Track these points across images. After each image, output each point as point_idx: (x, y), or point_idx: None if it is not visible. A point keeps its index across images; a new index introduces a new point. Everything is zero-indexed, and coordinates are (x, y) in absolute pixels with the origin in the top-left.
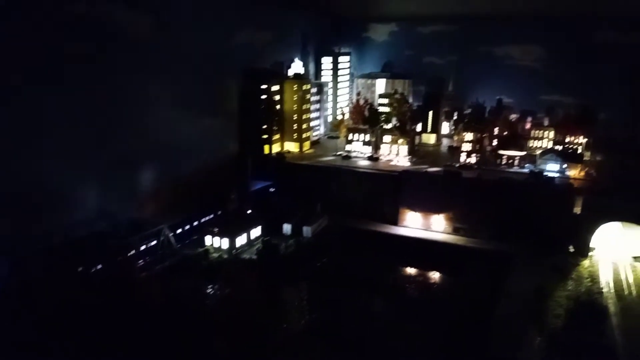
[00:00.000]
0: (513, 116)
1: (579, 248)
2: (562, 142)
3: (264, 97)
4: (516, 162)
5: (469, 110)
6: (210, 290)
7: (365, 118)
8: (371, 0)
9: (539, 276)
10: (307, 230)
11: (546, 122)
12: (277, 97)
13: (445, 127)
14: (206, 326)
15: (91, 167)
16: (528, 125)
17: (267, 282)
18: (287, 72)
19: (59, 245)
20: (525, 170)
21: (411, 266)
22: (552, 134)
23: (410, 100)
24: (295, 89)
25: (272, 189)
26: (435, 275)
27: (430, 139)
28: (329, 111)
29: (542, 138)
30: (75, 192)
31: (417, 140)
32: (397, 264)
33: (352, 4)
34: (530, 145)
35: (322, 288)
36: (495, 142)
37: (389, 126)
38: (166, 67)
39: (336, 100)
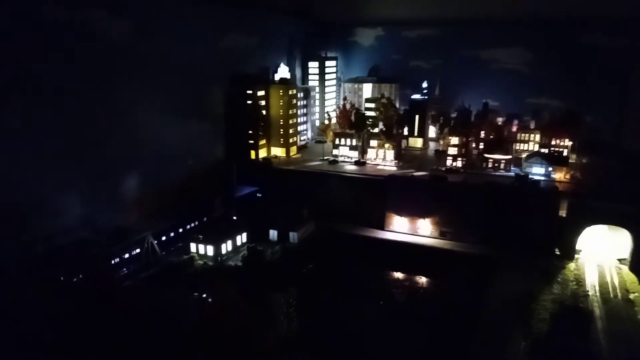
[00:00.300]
0: (499, 119)
1: (564, 251)
2: (548, 145)
3: (249, 102)
4: (502, 165)
5: (454, 114)
6: (195, 298)
7: (352, 122)
8: (357, 4)
9: (525, 279)
10: (293, 236)
11: (532, 125)
12: (263, 102)
13: (432, 131)
14: (189, 335)
15: (74, 174)
16: (514, 129)
17: (253, 289)
18: (273, 77)
19: (41, 254)
20: (511, 173)
21: (398, 270)
22: (538, 137)
23: (397, 104)
24: (281, 93)
25: (259, 195)
26: (421, 280)
27: (417, 142)
28: (316, 116)
29: (528, 141)
30: (58, 200)
31: (404, 144)
32: (384, 269)
33: (338, 9)
34: (517, 148)
35: (309, 294)
36: (481, 146)
37: (376, 130)
38: (150, 73)
39: (323, 105)
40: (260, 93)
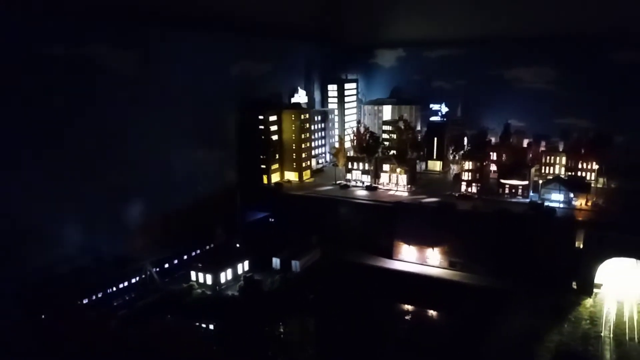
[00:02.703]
0: (526, 141)
1: (582, 285)
2: (574, 169)
3: (261, 127)
4: (519, 191)
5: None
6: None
7: (362, 146)
8: (377, 26)
9: (535, 316)
10: (295, 265)
11: (561, 147)
12: (275, 127)
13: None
14: None
15: (75, 201)
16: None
17: (247, 320)
18: (290, 100)
19: (35, 284)
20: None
21: (405, 302)
22: (564, 160)
23: (419, 126)
24: (292, 118)
25: (271, 220)
26: (428, 312)
27: (435, 166)
28: (335, 138)
29: (554, 164)
30: (57, 228)
31: (422, 168)
32: (391, 300)
33: (358, 31)
34: (544, 172)
35: (306, 326)
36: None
37: (391, 154)
38: (158, 100)
39: (343, 128)
40: (272, 118)
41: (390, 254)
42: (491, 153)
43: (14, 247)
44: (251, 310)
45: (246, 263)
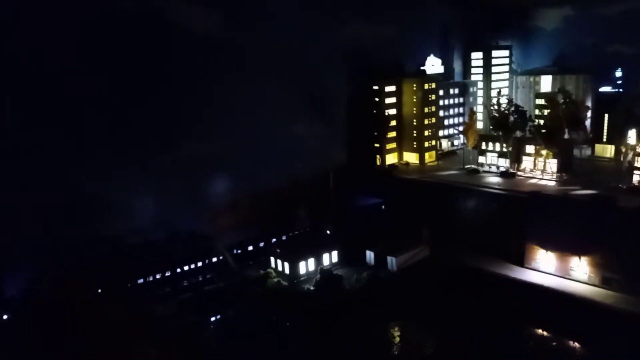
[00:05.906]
0: None
1: None
2: None
3: (376, 99)
4: None
5: None
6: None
7: (498, 122)
8: None
9: None
10: (391, 262)
11: None
12: (393, 100)
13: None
14: None
15: (150, 173)
16: None
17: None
18: (418, 70)
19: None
20: None
21: (532, 325)
22: None
23: (589, 102)
24: (414, 89)
25: (383, 207)
26: (570, 344)
27: (606, 151)
28: (479, 116)
29: None
30: (133, 199)
31: (588, 153)
32: (513, 320)
33: None
34: None
35: (386, 342)
36: None
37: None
38: (256, 65)
39: (490, 103)
40: (390, 89)
41: (520, 261)
42: None
43: (84, 214)
44: (321, 310)
45: (335, 254)
